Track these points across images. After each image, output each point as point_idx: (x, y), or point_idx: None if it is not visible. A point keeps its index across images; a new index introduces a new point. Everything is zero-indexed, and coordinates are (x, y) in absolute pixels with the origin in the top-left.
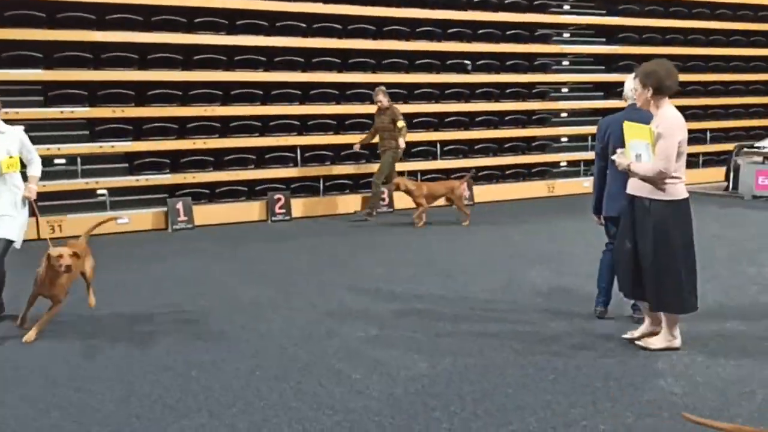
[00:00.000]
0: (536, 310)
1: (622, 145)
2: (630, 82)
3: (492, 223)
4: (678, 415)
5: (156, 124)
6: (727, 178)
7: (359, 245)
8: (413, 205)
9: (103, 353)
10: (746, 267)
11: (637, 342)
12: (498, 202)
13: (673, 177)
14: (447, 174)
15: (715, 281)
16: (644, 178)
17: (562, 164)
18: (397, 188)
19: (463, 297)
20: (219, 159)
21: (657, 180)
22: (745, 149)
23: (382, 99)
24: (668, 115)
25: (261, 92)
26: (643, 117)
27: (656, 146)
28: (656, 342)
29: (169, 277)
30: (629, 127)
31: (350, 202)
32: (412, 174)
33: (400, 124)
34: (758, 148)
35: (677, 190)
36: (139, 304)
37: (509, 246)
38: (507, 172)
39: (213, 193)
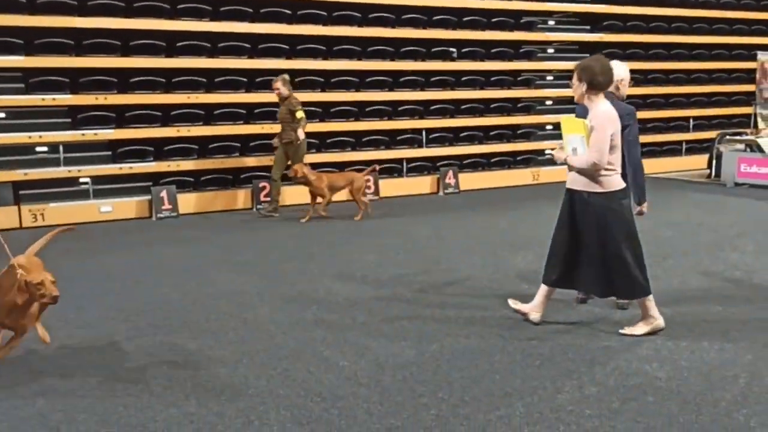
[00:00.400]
0: (522, 296)
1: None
2: None
3: (478, 211)
4: (663, 400)
5: (139, 112)
6: (709, 166)
7: (346, 232)
8: (398, 192)
9: (87, 342)
10: (729, 253)
11: (621, 331)
12: (483, 190)
13: (607, 169)
14: (433, 162)
15: (698, 267)
16: (580, 171)
17: (547, 152)
18: (295, 175)
19: (449, 283)
20: (203, 147)
21: (592, 172)
22: (728, 137)
23: (281, 88)
24: (601, 110)
25: (245, 79)
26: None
27: (590, 139)
28: (638, 329)
29: (154, 265)
30: (566, 122)
31: None
32: (397, 162)
33: (299, 114)
34: (741, 135)
35: (613, 182)
36: (123, 293)
37: (495, 233)
38: (492, 160)
39: (197, 181)
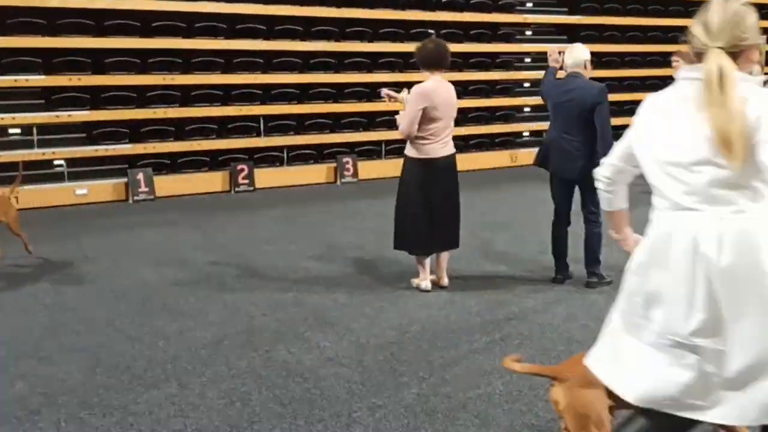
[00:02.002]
0: (501, 277)
1: (554, 110)
2: (573, 51)
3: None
4: None
5: (115, 93)
6: None
7: (326, 214)
8: (378, 174)
9: (67, 325)
10: None
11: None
12: (462, 172)
13: (424, 138)
14: None
15: None
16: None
17: (524, 134)
18: None
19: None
20: (180, 129)
21: (410, 140)
22: None
23: None
24: (417, 86)
25: (222, 60)
26: (579, 85)
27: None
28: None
29: (131, 248)
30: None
31: (315, 173)
32: (376, 144)
33: None
34: None
35: (423, 150)
36: (101, 276)
37: (474, 214)
38: (470, 142)
39: (174, 164)
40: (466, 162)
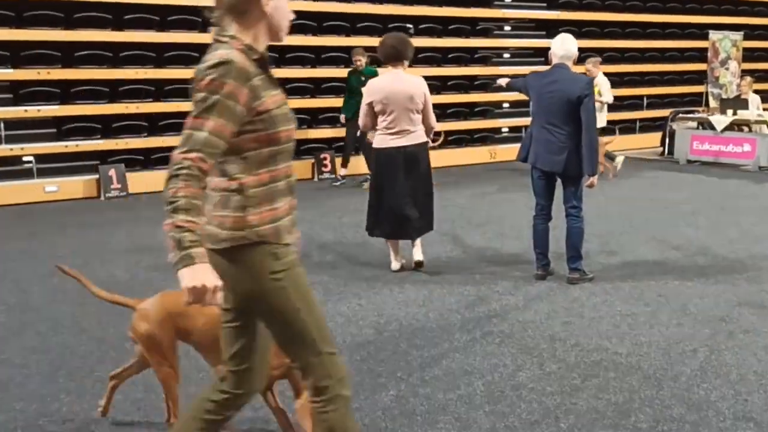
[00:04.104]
0: (482, 274)
1: (538, 101)
2: (565, 43)
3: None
4: (624, 376)
5: (85, 87)
6: (662, 144)
7: (303, 211)
8: (357, 170)
9: (30, 326)
10: (684, 228)
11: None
12: (440, 168)
13: (379, 130)
14: None
15: (653, 242)
16: None
17: (503, 130)
18: None
19: (408, 261)
20: (153, 124)
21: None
22: (681, 115)
23: None
24: (372, 81)
25: (197, 54)
26: (565, 77)
27: None
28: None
29: (102, 246)
30: None
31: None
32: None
33: None
34: (693, 113)
35: (379, 141)
36: None
37: (453, 210)
38: (449, 138)
39: (148, 160)
40: (445, 158)
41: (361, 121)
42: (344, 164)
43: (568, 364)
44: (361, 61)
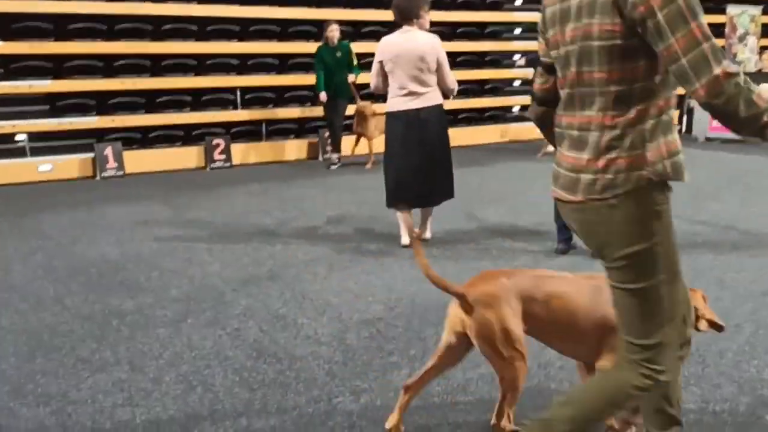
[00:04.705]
0: (498, 249)
1: None
2: None
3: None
4: None
5: (80, 62)
6: (680, 122)
7: (307, 189)
8: (364, 150)
9: (10, 304)
10: (710, 203)
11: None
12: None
13: (390, 92)
14: None
15: (682, 216)
16: None
17: (514, 109)
18: None
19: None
20: (151, 100)
21: (375, 93)
22: None
23: None
24: (384, 39)
25: (195, 28)
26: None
27: None
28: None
29: (94, 224)
30: None
31: (296, 148)
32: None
33: None
34: None
35: (391, 104)
36: (57, 252)
37: (465, 189)
38: (459, 117)
39: (145, 138)
40: (456, 137)
41: (372, 82)
42: (336, 148)
43: None
44: (335, 33)
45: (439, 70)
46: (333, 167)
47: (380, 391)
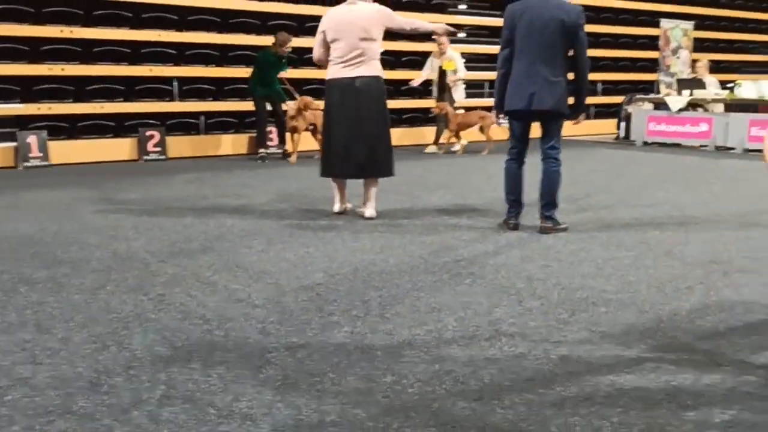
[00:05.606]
0: (445, 226)
1: (534, 28)
2: None
3: None
4: (617, 311)
5: (3, 45)
6: (618, 127)
7: (247, 178)
8: (309, 146)
9: None
10: (655, 191)
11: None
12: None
13: (331, 61)
14: None
15: (625, 202)
16: None
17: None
18: None
19: (354, 212)
20: (81, 88)
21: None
22: (637, 96)
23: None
24: (329, 11)
25: (131, 14)
26: (553, 3)
27: None
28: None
29: (14, 207)
30: None
31: (237, 142)
32: None
33: None
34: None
35: (330, 72)
36: None
37: (409, 178)
38: (403, 117)
39: (73, 128)
40: (402, 137)
41: (315, 52)
42: (262, 144)
43: (551, 301)
44: (288, 46)
45: (397, 28)
46: (262, 161)
47: (318, 347)
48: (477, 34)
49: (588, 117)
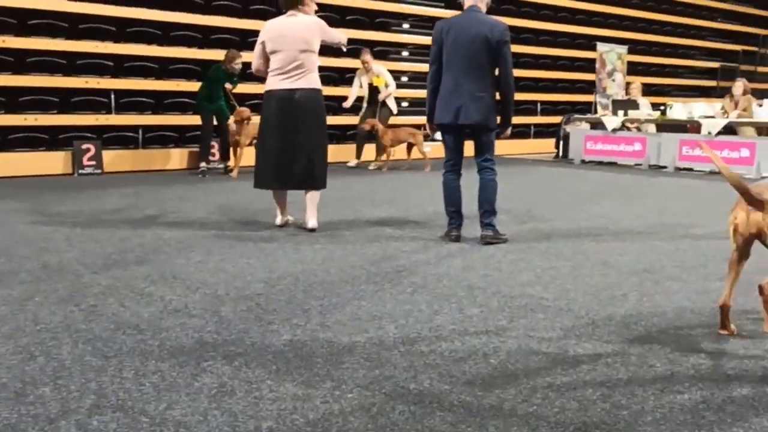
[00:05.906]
0: (387, 238)
1: (459, 44)
2: None
3: (332, 177)
4: (555, 317)
5: None
6: (557, 147)
7: (187, 192)
8: (251, 161)
9: None
10: (591, 206)
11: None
12: (336, 163)
13: (269, 73)
14: None
15: (563, 216)
16: None
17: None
18: None
19: (297, 223)
20: (12, 99)
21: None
22: (575, 116)
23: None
24: (268, 22)
25: (67, 25)
26: (479, 20)
27: None
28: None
29: None
30: None
31: (176, 157)
32: None
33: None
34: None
35: (268, 83)
36: None
37: (351, 193)
38: (348, 133)
39: (5, 140)
40: (343, 153)
41: (254, 63)
42: (204, 158)
43: (491, 308)
44: (237, 62)
45: (326, 39)
46: (202, 175)
47: (256, 355)
48: (419, 53)
49: (527, 136)
